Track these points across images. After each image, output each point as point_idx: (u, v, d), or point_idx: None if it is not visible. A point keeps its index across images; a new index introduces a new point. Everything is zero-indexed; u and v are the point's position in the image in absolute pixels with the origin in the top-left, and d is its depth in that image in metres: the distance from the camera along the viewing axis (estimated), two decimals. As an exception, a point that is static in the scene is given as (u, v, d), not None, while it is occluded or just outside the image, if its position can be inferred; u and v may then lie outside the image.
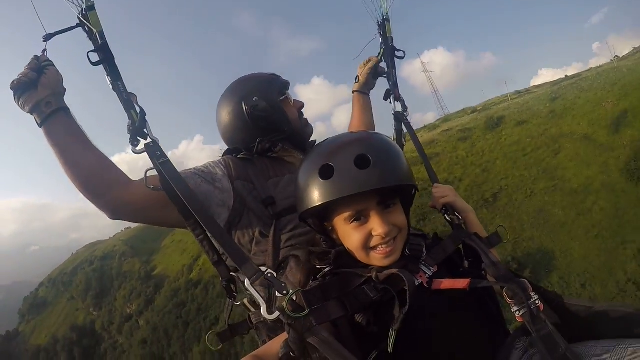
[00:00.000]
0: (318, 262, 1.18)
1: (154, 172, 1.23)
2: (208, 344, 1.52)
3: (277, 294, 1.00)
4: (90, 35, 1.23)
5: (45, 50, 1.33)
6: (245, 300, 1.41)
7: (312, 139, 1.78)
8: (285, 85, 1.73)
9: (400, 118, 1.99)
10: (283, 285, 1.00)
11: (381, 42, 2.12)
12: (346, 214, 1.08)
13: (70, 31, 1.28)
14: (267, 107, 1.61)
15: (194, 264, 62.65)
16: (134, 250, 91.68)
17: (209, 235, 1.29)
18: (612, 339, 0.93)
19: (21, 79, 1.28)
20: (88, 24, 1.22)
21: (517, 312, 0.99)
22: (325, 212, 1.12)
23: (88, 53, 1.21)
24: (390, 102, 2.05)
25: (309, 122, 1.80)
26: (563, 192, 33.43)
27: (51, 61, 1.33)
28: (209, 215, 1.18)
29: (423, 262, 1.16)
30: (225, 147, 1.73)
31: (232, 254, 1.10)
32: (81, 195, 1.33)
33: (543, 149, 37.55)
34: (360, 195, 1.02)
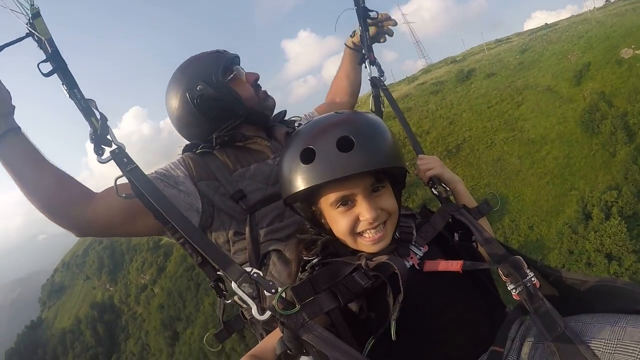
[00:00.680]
0: (305, 252, 1.13)
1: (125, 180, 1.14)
2: (207, 346, 1.49)
3: (265, 293, 0.97)
4: (40, 44, 1.12)
5: None
6: (236, 298, 1.34)
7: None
8: (233, 60, 1.58)
9: (377, 83, 1.88)
10: (271, 283, 0.97)
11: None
12: (332, 199, 1.03)
13: (21, 42, 1.13)
14: (213, 94, 1.47)
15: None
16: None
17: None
18: (604, 313, 0.93)
19: None
20: (36, 32, 1.10)
21: (514, 291, 0.98)
22: (311, 196, 1.07)
23: (38, 64, 1.09)
24: (366, 67, 1.94)
25: (269, 93, 1.66)
26: (521, 142, 35.24)
27: None
28: (186, 219, 1.11)
29: (413, 243, 1.13)
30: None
31: (214, 258, 1.04)
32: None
33: (507, 101, 38.59)
34: (345, 179, 0.96)
